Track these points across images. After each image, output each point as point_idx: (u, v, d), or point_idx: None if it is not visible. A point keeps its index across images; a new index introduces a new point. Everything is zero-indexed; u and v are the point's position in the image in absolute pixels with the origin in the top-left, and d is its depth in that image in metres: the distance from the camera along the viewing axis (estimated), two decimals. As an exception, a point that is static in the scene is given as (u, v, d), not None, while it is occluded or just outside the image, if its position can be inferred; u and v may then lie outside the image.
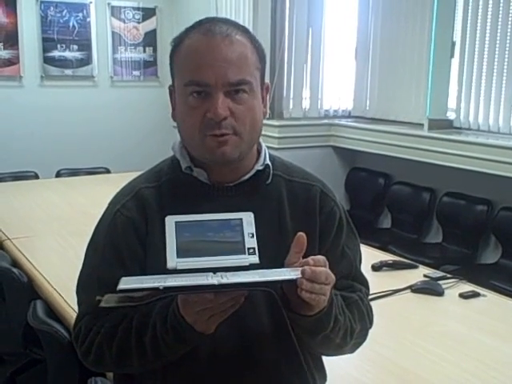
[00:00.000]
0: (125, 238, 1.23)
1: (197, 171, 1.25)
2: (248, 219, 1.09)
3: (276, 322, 1.23)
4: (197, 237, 1.07)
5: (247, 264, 1.05)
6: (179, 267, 1.03)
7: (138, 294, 0.99)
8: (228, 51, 1.16)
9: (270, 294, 1.15)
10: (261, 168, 1.27)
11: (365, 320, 1.32)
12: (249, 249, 1.07)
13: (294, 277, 1.03)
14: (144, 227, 1.23)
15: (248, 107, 1.18)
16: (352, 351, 1.34)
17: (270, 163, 1.28)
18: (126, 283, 0.99)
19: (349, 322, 1.24)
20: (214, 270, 1.02)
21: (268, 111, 1.29)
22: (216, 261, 1.04)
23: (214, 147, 1.17)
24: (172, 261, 1.04)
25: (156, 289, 0.97)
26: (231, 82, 1.15)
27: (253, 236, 1.08)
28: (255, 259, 1.06)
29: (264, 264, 1.07)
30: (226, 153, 1.17)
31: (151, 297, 0.99)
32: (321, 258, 1.08)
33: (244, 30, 1.22)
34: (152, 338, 1.13)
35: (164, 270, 1.04)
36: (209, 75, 1.14)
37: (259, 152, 1.29)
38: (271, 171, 1.29)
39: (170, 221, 1.08)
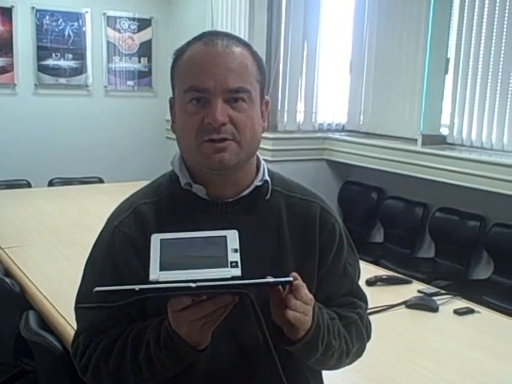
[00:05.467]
0: (123, 255, 1.23)
1: (196, 187, 1.23)
2: (232, 236, 1.09)
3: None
4: (180, 252, 1.08)
5: (229, 276, 1.05)
6: (161, 279, 1.04)
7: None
8: (228, 59, 1.16)
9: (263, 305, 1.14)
10: (260, 184, 1.26)
11: (363, 338, 1.32)
12: (231, 262, 1.06)
13: (271, 280, 1.04)
14: (142, 244, 1.21)
15: (247, 116, 1.18)
16: (349, 364, 1.35)
17: (268, 179, 1.28)
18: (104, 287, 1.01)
19: (345, 344, 1.25)
20: (196, 282, 1.02)
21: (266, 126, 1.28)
22: (198, 273, 1.04)
23: (210, 154, 1.16)
24: (154, 273, 1.05)
25: (132, 290, 0.98)
26: (231, 89, 1.15)
27: (236, 251, 1.07)
28: (237, 272, 1.05)
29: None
30: (223, 159, 1.16)
31: (127, 296, 1.00)
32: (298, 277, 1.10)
33: (245, 44, 1.23)
34: (146, 356, 1.13)
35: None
36: (208, 81, 1.14)
37: (258, 167, 1.29)
38: (270, 187, 1.28)
39: (156, 238, 1.09)
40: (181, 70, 1.20)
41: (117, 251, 1.23)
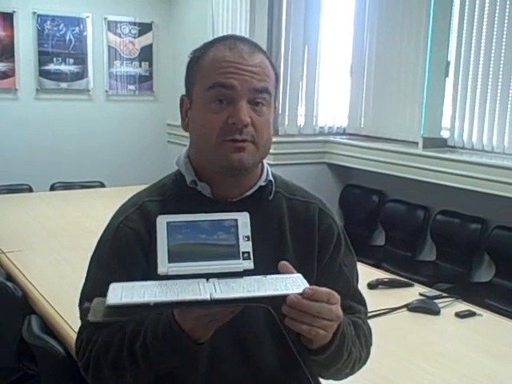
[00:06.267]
0: (129, 250, 1.23)
1: (201, 185, 1.25)
2: (244, 220, 1.05)
3: (274, 331, 1.21)
4: (189, 239, 1.02)
5: (241, 270, 1.02)
6: (170, 273, 1.00)
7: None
8: (252, 64, 1.20)
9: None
10: (263, 184, 1.29)
11: (369, 344, 1.32)
12: (243, 253, 1.03)
13: (290, 292, 0.99)
14: (148, 239, 1.22)
15: (266, 120, 1.22)
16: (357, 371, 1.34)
17: (272, 179, 1.30)
18: (115, 296, 0.96)
19: (359, 352, 1.25)
20: (207, 276, 0.99)
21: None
22: (209, 266, 1.01)
23: (230, 152, 1.18)
24: (163, 266, 1.00)
25: (146, 304, 0.94)
26: (256, 88, 1.19)
27: (248, 239, 1.03)
28: (250, 265, 1.02)
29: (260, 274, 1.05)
30: (243, 159, 1.19)
31: (141, 312, 0.97)
32: (323, 290, 1.04)
33: (265, 52, 1.27)
34: (142, 346, 1.11)
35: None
36: (235, 79, 1.18)
37: (262, 169, 1.31)
38: (273, 188, 1.30)
39: (162, 221, 1.03)
40: (204, 68, 1.22)
41: (122, 246, 1.23)
